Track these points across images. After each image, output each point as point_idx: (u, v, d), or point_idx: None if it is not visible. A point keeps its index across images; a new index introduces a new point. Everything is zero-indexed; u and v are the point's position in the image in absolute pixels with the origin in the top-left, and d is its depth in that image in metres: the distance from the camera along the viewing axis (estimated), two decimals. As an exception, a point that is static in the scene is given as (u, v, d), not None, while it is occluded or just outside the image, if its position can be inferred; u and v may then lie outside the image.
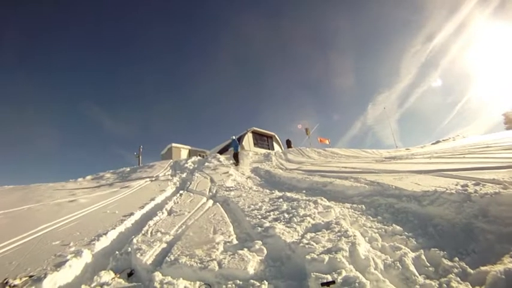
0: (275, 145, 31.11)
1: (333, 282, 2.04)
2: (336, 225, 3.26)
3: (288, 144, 29.22)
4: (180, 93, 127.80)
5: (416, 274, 2.20)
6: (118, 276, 2.78)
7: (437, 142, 25.71)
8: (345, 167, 8.91)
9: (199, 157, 20.06)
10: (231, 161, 15.16)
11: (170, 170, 14.14)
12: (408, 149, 20.77)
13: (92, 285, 2.63)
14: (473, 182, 3.84)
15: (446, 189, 3.72)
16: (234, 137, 16.08)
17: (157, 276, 2.56)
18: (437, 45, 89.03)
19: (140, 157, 27.47)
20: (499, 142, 11.23)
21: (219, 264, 2.65)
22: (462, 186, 3.77)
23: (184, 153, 27.84)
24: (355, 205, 4.41)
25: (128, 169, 15.64)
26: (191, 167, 14.29)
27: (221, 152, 25.28)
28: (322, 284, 2.03)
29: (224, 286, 2.35)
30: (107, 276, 2.74)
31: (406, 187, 4.38)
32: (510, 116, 41.74)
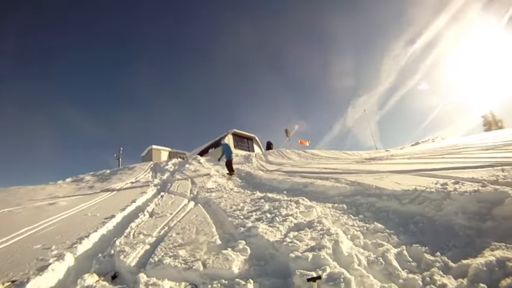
0: (255, 147, 31.16)
1: (319, 277, 2.04)
2: (318, 224, 3.29)
3: (268, 146, 29.41)
4: (159, 95, 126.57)
5: (400, 269, 2.24)
6: (102, 279, 2.70)
7: (417, 144, 26.30)
8: (326, 168, 9.01)
9: (179, 159, 19.93)
10: (224, 171, 12.29)
11: (151, 172, 14.05)
12: (388, 151, 21.21)
13: (76, 289, 2.55)
14: (453, 180, 3.92)
15: (426, 188, 3.81)
16: (226, 141, 14.83)
17: (142, 277, 2.50)
18: (418, 50, 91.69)
19: (120, 159, 27.09)
20: (477, 143, 11.59)
21: (204, 264, 2.63)
22: (442, 184, 3.84)
23: (164, 155, 27.64)
24: (336, 205, 4.47)
25: (108, 171, 15.37)
26: (172, 169, 14.21)
27: (201, 153, 25.15)
28: (308, 280, 2.04)
29: (210, 286, 2.32)
30: (90, 279, 2.66)
31: (386, 186, 4.46)
32: (489, 118, 43.49)
